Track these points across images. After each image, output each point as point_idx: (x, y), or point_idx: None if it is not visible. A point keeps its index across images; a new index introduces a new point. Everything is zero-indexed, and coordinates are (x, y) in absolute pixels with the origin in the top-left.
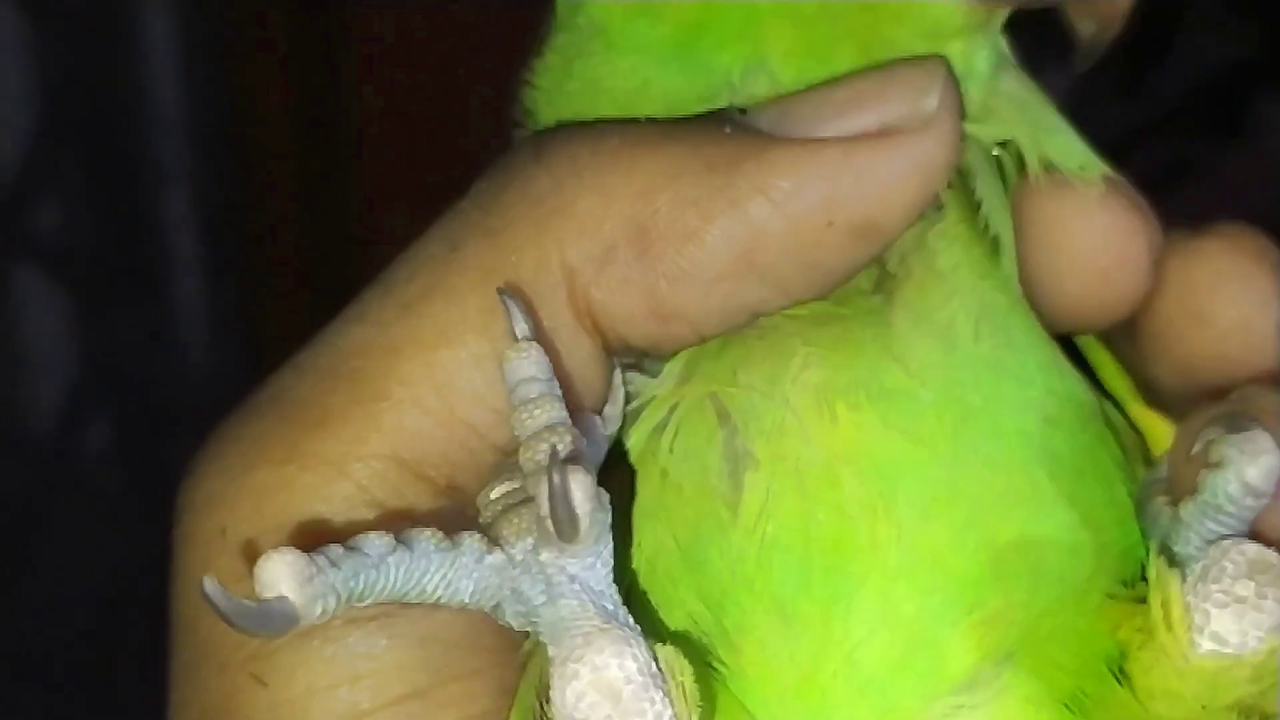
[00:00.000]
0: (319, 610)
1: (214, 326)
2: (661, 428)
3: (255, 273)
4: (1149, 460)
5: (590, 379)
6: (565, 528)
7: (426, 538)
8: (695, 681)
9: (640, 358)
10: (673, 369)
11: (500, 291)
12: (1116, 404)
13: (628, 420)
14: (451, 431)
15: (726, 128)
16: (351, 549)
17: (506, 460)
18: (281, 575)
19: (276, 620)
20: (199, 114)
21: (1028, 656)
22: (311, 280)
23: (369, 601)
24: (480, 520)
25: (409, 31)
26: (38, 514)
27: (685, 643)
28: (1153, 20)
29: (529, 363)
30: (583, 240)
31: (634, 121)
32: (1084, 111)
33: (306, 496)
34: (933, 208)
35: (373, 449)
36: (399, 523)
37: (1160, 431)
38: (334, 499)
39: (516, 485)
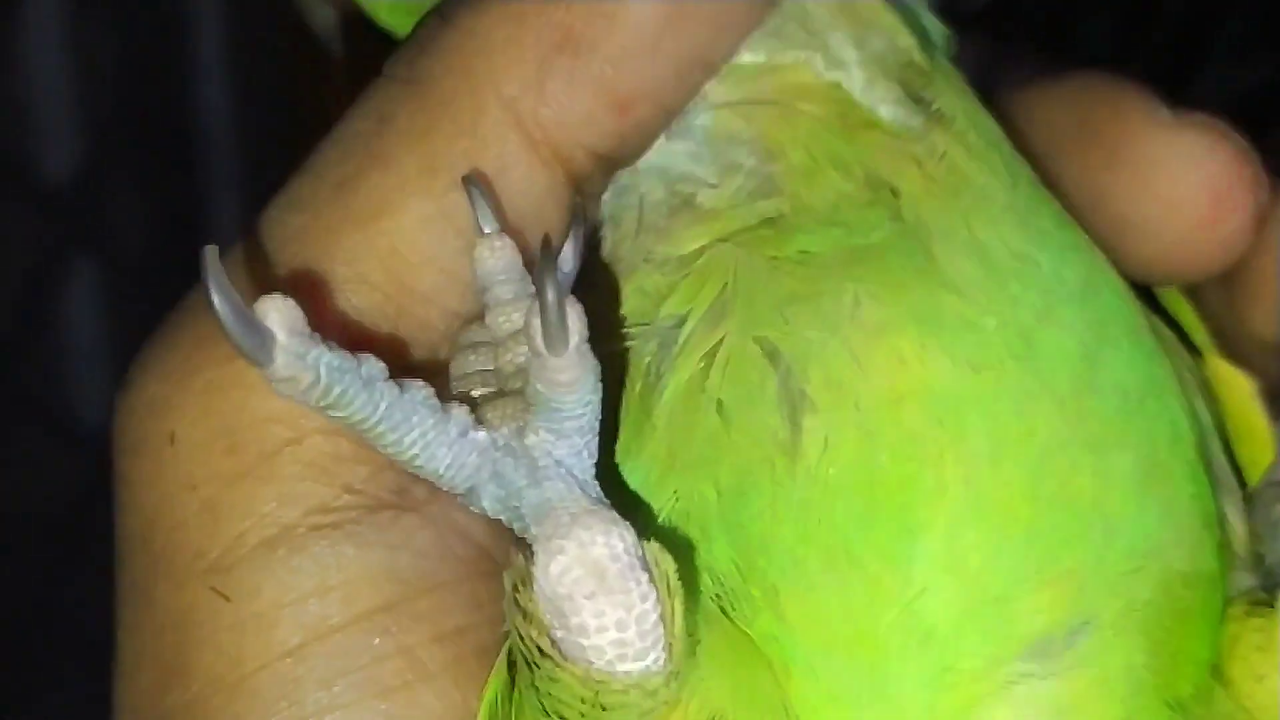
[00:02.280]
0: (295, 373)
1: None
2: (701, 375)
3: None
4: (1206, 387)
5: (553, 217)
6: (555, 334)
7: (419, 388)
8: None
9: (609, 175)
10: (696, 310)
11: (466, 180)
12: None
13: (648, 370)
14: (401, 305)
15: None
16: (355, 356)
17: (469, 331)
18: (278, 318)
19: (259, 340)
20: (251, 111)
21: (1109, 631)
22: None
23: (342, 415)
24: (453, 392)
25: None
26: (94, 507)
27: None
28: (1179, 51)
29: (501, 259)
30: (512, 68)
31: None
32: None
33: (257, 392)
34: (920, 117)
35: (322, 334)
36: None
37: (1239, 386)
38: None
39: (490, 369)
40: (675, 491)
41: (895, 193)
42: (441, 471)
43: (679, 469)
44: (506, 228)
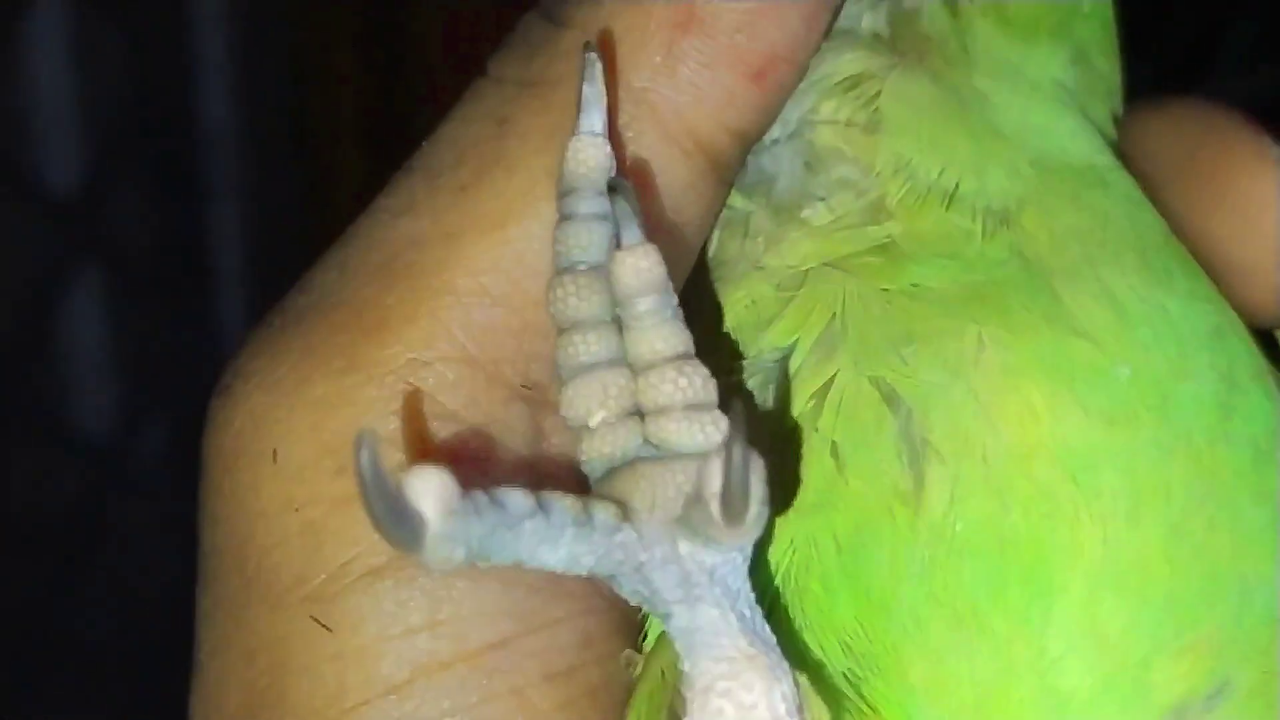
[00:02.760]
0: (444, 554)
1: None
2: (813, 414)
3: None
4: None
5: (696, 213)
6: (735, 508)
7: (565, 507)
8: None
9: (746, 154)
10: (804, 342)
11: (611, 186)
12: None
13: (758, 398)
14: (525, 318)
15: None
16: (496, 502)
17: (595, 369)
18: (431, 496)
19: (408, 528)
20: (257, 121)
21: (1245, 694)
22: None
23: (486, 565)
24: (581, 457)
25: (477, 26)
26: (95, 517)
27: (827, 663)
28: (1184, 63)
29: (643, 264)
30: (639, 57)
31: None
32: None
33: (371, 411)
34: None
35: (441, 351)
36: (474, 439)
37: None
38: (403, 412)
39: (612, 390)
40: (792, 541)
41: (1012, 226)
42: (585, 573)
43: (794, 514)
44: (648, 231)
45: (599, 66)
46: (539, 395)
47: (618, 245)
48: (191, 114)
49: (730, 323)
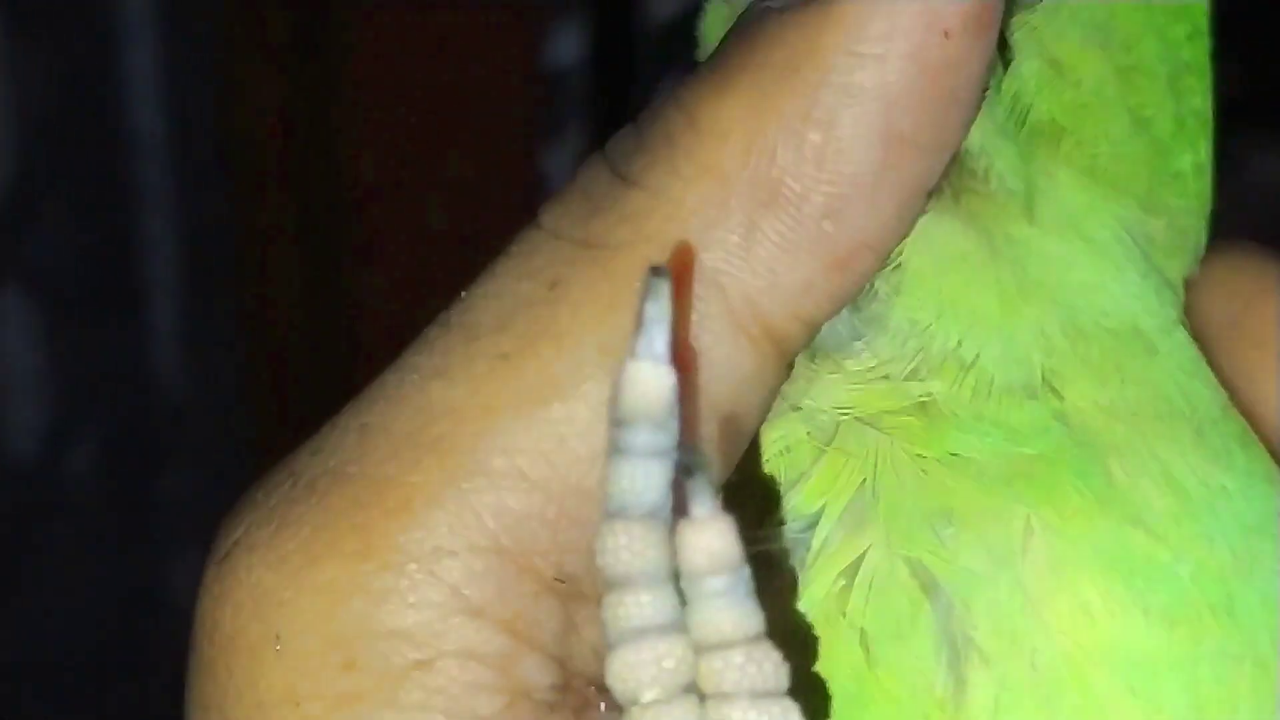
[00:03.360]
0: None
1: (199, 350)
2: (844, 594)
3: (243, 296)
4: None
5: (757, 404)
6: None
7: None
8: None
9: (813, 338)
10: (832, 510)
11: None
12: None
13: (782, 571)
14: (563, 506)
15: (768, 13)
16: None
17: (647, 635)
18: None
19: None
20: (184, 134)
21: None
22: (302, 303)
23: None
24: (611, 682)
25: (404, 41)
26: (22, 536)
27: None
28: None
29: (717, 544)
30: (715, 233)
31: (678, 85)
32: None
33: (388, 603)
34: None
35: (469, 540)
36: (498, 637)
37: None
38: (421, 606)
39: (684, 711)
40: None
41: (1059, 394)
42: None
43: (838, 706)
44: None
45: (666, 286)
46: (573, 588)
47: (685, 510)
48: (121, 127)
49: (765, 469)
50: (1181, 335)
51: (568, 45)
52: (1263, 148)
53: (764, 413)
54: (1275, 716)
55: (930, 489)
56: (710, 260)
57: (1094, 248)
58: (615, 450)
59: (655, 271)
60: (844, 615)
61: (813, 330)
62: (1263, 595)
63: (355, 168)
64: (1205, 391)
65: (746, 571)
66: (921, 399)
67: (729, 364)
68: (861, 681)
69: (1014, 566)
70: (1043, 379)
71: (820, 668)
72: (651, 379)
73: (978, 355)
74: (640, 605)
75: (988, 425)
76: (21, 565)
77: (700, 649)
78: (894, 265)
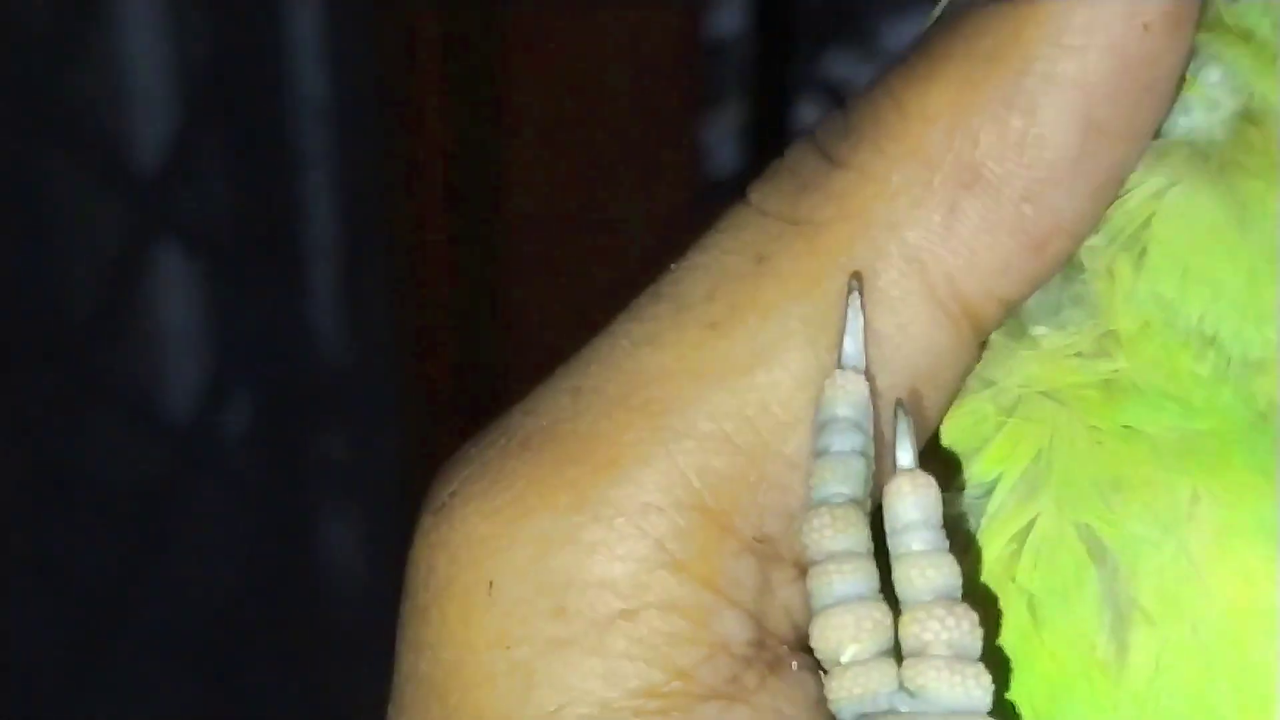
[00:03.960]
0: None
1: (355, 312)
2: (1011, 559)
3: (399, 259)
4: None
5: (953, 381)
6: None
7: None
8: None
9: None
10: (1008, 477)
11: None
12: None
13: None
14: (765, 470)
15: (974, 5)
16: None
17: (848, 602)
18: None
19: None
20: (344, 96)
21: None
22: (456, 267)
23: None
24: (830, 696)
25: (563, 20)
26: (176, 495)
27: None
28: None
29: (921, 495)
30: (918, 212)
31: (891, 68)
32: None
33: (596, 554)
34: None
35: (675, 498)
36: (700, 592)
37: None
38: (629, 559)
39: (883, 671)
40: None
41: (1253, 376)
42: None
43: (995, 664)
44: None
45: (859, 298)
46: (770, 549)
47: (893, 469)
48: (282, 88)
49: (949, 439)
50: None
51: (730, 18)
52: None
53: (957, 387)
54: None
55: (1103, 459)
56: (913, 238)
57: None
58: (818, 450)
59: (854, 279)
60: (1013, 579)
61: (1009, 310)
62: None
63: (512, 147)
64: None
65: (944, 533)
66: (1109, 375)
67: (927, 338)
68: (1027, 642)
69: (1179, 534)
70: (1267, 356)
71: (989, 629)
72: (853, 384)
73: (1216, 333)
74: (843, 574)
75: (1167, 401)
76: (177, 523)
77: (903, 605)
78: (1132, 239)
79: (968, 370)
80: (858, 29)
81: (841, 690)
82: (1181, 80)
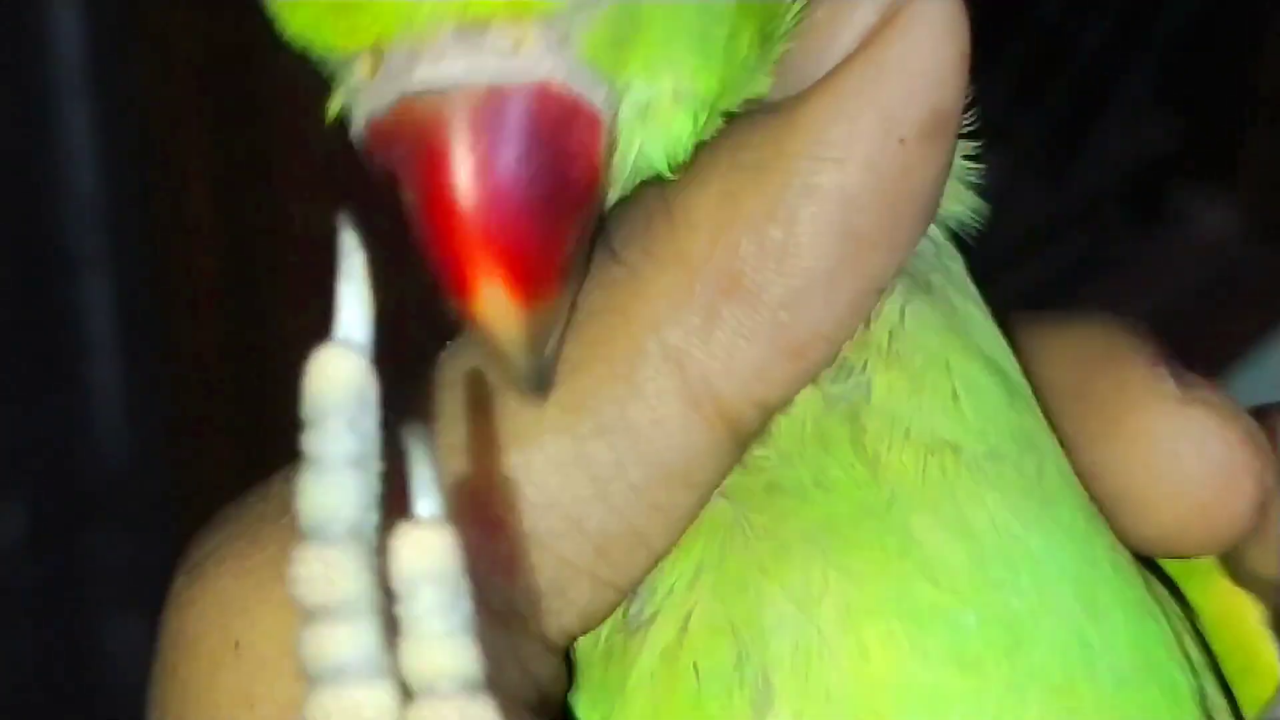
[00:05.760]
0: None
1: (132, 413)
2: (677, 641)
3: (175, 358)
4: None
5: (711, 478)
6: None
7: None
8: None
9: (768, 423)
10: (681, 567)
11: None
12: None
13: (633, 633)
14: (515, 549)
15: (748, 119)
16: None
17: (343, 677)
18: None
19: None
20: (117, 196)
21: None
22: (233, 367)
23: None
24: None
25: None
26: None
27: None
28: (1075, 112)
29: (432, 551)
30: (678, 314)
31: (662, 185)
32: (1006, 201)
33: None
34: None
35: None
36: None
37: (1243, 612)
38: None
39: None
40: None
41: (873, 458)
42: None
43: None
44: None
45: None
46: (520, 624)
47: (406, 512)
48: (54, 182)
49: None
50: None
51: None
52: (1203, 200)
53: (711, 488)
54: None
55: (751, 548)
56: (673, 338)
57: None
58: (305, 459)
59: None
60: (678, 659)
61: (766, 414)
62: (1051, 635)
63: (289, 224)
64: (1044, 445)
65: (468, 602)
66: (773, 474)
67: (682, 438)
68: (696, 707)
69: (811, 612)
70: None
71: (664, 705)
72: (341, 364)
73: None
74: (337, 641)
75: (814, 490)
76: None
77: (411, 689)
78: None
79: (724, 473)
80: None
81: None
82: (943, 188)
